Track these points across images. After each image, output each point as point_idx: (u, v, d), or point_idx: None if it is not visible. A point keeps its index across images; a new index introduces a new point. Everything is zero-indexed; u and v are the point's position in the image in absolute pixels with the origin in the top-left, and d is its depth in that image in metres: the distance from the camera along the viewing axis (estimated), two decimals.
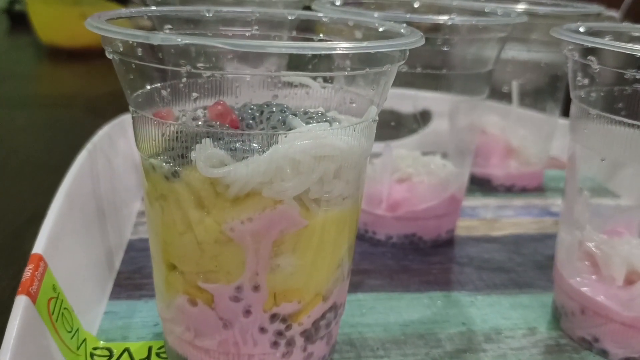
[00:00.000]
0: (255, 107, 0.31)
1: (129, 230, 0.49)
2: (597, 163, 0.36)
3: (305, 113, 0.30)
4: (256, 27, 0.37)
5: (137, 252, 0.46)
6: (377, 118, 0.30)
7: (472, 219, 0.55)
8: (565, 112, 0.45)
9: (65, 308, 0.33)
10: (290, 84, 0.37)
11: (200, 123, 0.29)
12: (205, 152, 0.27)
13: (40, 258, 0.32)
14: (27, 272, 0.30)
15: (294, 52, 0.25)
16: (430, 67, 0.45)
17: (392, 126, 0.50)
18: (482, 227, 0.53)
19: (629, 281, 0.37)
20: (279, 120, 0.29)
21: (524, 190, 0.62)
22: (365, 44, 0.26)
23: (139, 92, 0.30)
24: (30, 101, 0.87)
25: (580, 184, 0.38)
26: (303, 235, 0.29)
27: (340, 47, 0.25)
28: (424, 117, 0.54)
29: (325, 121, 0.29)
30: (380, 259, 0.47)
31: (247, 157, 0.27)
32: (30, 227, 0.45)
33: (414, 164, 0.50)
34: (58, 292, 0.33)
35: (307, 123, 0.29)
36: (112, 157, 0.50)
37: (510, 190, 0.62)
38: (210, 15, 0.36)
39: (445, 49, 0.45)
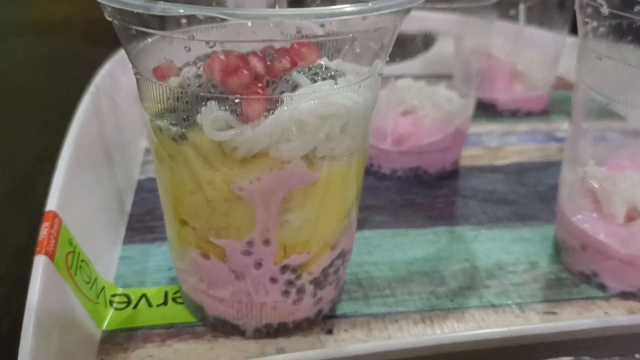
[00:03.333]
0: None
1: (137, 170, 0.49)
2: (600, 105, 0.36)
3: (310, 69, 0.30)
4: None
5: (146, 192, 0.47)
6: (382, 72, 0.30)
7: (476, 147, 0.55)
8: (574, 29, 0.44)
9: (82, 260, 0.34)
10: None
11: (203, 83, 0.29)
12: (210, 116, 0.27)
13: (54, 215, 0.33)
14: (43, 231, 0.31)
15: (298, 20, 0.24)
16: None
17: (396, 46, 0.50)
18: (486, 156, 0.54)
19: (630, 218, 0.37)
20: (283, 78, 0.29)
21: (529, 114, 0.62)
22: (370, 5, 0.25)
23: (136, 46, 0.29)
24: (27, 29, 0.85)
25: (585, 107, 0.38)
26: (311, 191, 0.30)
27: (345, 11, 0.24)
28: (429, 39, 0.53)
29: (331, 77, 0.29)
30: (386, 193, 0.48)
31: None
32: (39, 170, 0.46)
33: (419, 95, 0.50)
34: (74, 245, 0.34)
35: (313, 80, 0.28)
36: (115, 96, 0.49)
37: (515, 114, 0.62)
38: None
39: None
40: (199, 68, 0.32)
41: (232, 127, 0.27)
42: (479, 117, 0.60)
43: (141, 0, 0.24)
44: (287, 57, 0.30)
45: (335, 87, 0.28)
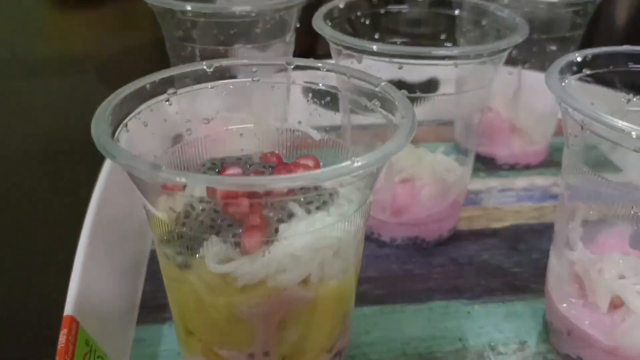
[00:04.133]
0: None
1: (150, 238, 0.52)
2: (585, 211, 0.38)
3: (305, 198, 0.32)
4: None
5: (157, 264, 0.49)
6: (372, 199, 0.32)
7: (474, 208, 0.57)
8: None
9: (99, 356, 0.37)
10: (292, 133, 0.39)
11: (205, 208, 0.31)
12: (212, 250, 0.30)
13: (72, 320, 0.35)
14: (62, 338, 0.34)
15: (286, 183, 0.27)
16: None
17: None
18: (483, 218, 0.56)
19: (614, 305, 0.39)
20: (280, 204, 0.31)
21: (527, 167, 0.64)
22: (355, 163, 0.27)
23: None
24: (42, 66, 0.87)
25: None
26: (306, 309, 0.32)
27: (332, 174, 0.26)
28: (431, 85, 0.55)
29: (324, 203, 0.31)
30: (385, 263, 0.50)
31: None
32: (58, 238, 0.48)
33: (418, 163, 0.52)
34: (91, 345, 0.36)
35: (307, 210, 0.31)
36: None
37: (513, 167, 0.63)
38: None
39: None
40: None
41: (232, 259, 0.30)
42: (478, 172, 0.62)
43: (146, 165, 0.26)
44: None
45: (328, 222, 0.30)
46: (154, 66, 0.37)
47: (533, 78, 0.60)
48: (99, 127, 0.29)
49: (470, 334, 0.43)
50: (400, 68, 0.43)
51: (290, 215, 0.31)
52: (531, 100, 0.61)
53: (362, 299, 0.46)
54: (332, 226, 0.30)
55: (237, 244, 0.30)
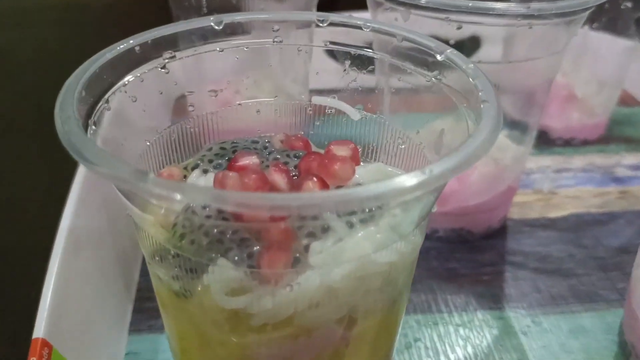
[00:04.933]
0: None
1: None
2: None
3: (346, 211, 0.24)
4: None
5: None
6: (436, 208, 0.24)
7: (526, 191, 0.49)
8: None
9: None
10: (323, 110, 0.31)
11: (211, 215, 0.23)
12: (220, 277, 0.22)
13: (43, 343, 0.28)
14: None
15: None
16: None
17: None
18: (538, 205, 0.48)
19: None
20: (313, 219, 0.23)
21: (585, 143, 0.55)
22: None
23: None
24: (32, 16, 0.79)
25: None
26: (343, 350, 0.24)
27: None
28: (471, 44, 0.47)
29: (370, 214, 0.23)
30: (425, 259, 0.42)
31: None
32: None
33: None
34: None
35: (349, 224, 0.23)
36: None
37: (569, 143, 0.55)
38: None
39: None
40: (205, 172, 0.27)
41: (247, 290, 0.22)
42: None
43: (132, 173, 0.18)
44: (314, 178, 0.24)
45: (377, 241, 0.22)
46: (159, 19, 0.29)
47: (599, 40, 0.51)
48: (65, 107, 0.21)
49: (533, 355, 0.35)
50: (459, 28, 0.34)
51: (326, 230, 0.23)
52: (595, 65, 0.52)
53: None
54: (382, 247, 0.22)
55: (253, 269, 0.22)
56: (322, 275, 0.22)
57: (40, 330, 0.28)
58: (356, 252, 0.22)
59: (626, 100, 0.60)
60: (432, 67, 0.27)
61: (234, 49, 0.29)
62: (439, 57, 0.26)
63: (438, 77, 0.26)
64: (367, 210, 0.23)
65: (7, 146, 0.53)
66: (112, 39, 0.26)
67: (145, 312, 0.38)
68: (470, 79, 0.24)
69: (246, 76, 0.31)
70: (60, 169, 0.35)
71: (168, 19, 0.40)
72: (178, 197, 0.17)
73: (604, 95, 0.54)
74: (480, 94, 0.23)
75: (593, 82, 0.53)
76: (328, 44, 0.29)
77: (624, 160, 0.53)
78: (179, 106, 0.30)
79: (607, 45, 0.52)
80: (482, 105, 0.22)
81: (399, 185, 0.18)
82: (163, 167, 0.28)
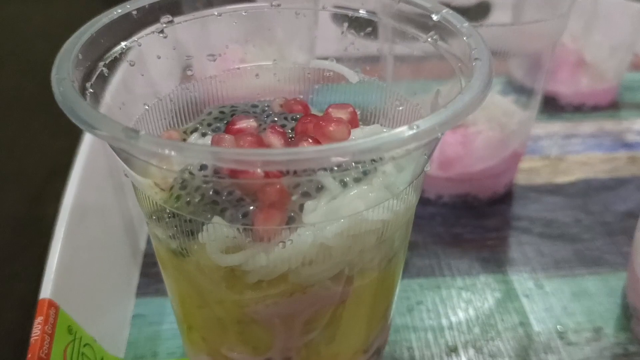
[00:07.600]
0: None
1: None
2: None
3: (339, 165, 0.24)
4: None
5: None
6: (429, 167, 0.24)
7: (534, 157, 0.49)
8: None
9: (85, 344, 0.31)
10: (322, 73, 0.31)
11: (207, 175, 0.23)
12: (215, 236, 0.22)
13: (50, 304, 0.29)
14: (36, 330, 0.28)
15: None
16: None
17: None
18: (545, 170, 0.47)
19: None
20: (306, 173, 0.23)
21: (595, 109, 0.54)
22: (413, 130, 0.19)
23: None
24: None
25: None
26: (340, 307, 0.25)
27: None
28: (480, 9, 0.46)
29: (364, 173, 0.23)
30: (429, 225, 0.42)
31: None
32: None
33: None
34: (75, 331, 0.30)
35: (342, 183, 0.23)
36: None
37: (579, 109, 0.54)
38: None
39: None
40: (204, 135, 0.27)
41: (242, 248, 0.22)
42: (538, 114, 0.53)
43: (123, 131, 0.18)
44: (309, 139, 0.24)
45: (370, 199, 0.22)
46: None
47: (611, 3, 0.50)
48: (61, 69, 0.22)
49: (534, 318, 0.36)
50: None
51: (320, 189, 0.23)
52: (606, 29, 0.51)
53: (403, 269, 0.38)
54: (375, 205, 0.22)
55: (247, 226, 0.22)
56: (315, 233, 0.22)
57: (47, 291, 0.29)
58: (349, 210, 0.22)
59: (638, 65, 0.59)
60: (430, 30, 0.27)
61: (232, 14, 0.29)
62: (435, 17, 0.26)
63: (434, 37, 0.26)
64: (359, 167, 0.23)
65: (15, 118, 0.54)
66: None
67: (152, 277, 0.38)
68: (464, 38, 0.24)
69: (245, 40, 0.31)
70: (67, 139, 0.36)
71: None
72: (166, 152, 0.18)
73: (615, 60, 0.53)
74: (473, 52, 0.23)
75: (604, 46, 0.52)
76: (328, 7, 0.29)
77: (635, 125, 0.52)
78: (179, 71, 0.30)
79: (619, 9, 0.51)
80: (474, 63, 0.22)
81: (391, 138, 0.18)
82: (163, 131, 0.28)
